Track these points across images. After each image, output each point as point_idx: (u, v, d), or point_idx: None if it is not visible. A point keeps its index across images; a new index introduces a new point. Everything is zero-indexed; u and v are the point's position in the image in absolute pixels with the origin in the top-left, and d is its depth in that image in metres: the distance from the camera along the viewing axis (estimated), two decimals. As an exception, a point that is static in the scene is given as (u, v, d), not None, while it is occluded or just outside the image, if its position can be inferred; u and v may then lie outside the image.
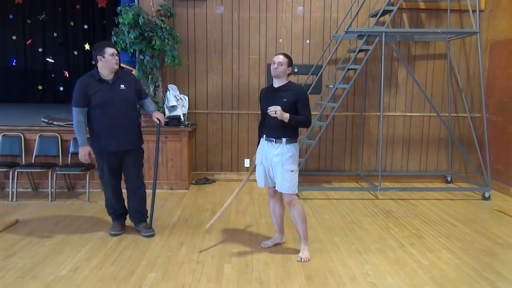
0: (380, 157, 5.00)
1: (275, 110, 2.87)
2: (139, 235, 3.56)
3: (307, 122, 3.07)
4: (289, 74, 3.09)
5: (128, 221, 3.73)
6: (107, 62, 3.28)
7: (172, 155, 5.03)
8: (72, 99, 3.32)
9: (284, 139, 3.03)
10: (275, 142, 3.05)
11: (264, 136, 3.15)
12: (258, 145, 3.26)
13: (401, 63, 5.30)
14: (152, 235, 3.54)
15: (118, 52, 3.54)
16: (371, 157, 5.77)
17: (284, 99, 2.99)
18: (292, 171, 3.05)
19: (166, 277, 2.80)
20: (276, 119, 2.95)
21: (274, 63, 3.03)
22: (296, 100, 3.00)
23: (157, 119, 3.58)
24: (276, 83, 3.09)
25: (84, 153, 3.35)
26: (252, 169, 3.34)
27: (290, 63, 3.06)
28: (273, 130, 3.07)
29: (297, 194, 3.15)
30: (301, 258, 3.12)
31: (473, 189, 5.09)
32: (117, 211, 3.63)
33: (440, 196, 5.02)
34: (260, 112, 3.30)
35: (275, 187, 3.16)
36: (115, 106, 3.32)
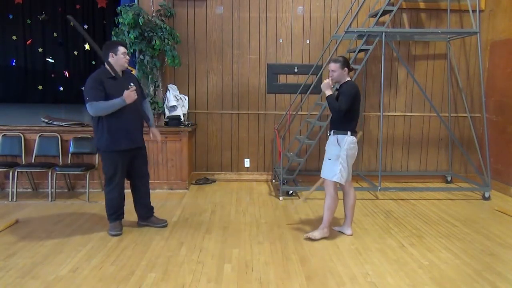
0: (380, 157, 5.00)
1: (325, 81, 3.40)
2: (139, 235, 3.56)
3: (336, 108, 3.30)
4: (349, 71, 3.41)
5: (129, 221, 3.76)
6: (119, 60, 3.40)
7: (172, 155, 5.03)
8: (89, 96, 3.27)
9: (332, 130, 3.43)
10: (329, 133, 3.50)
11: None
12: None
13: (401, 63, 5.30)
14: (166, 225, 3.77)
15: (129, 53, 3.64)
16: (371, 157, 5.77)
17: (336, 93, 3.48)
18: (329, 159, 3.42)
19: (166, 277, 2.80)
20: (333, 114, 3.39)
21: (330, 72, 3.41)
22: (339, 93, 3.39)
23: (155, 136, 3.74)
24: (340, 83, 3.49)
25: (129, 93, 3.29)
26: None
27: (343, 65, 3.36)
28: (330, 122, 3.51)
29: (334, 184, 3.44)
30: (307, 236, 3.47)
31: (473, 189, 5.09)
32: (119, 211, 3.64)
33: (440, 196, 5.02)
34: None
35: None
36: (128, 105, 3.37)
